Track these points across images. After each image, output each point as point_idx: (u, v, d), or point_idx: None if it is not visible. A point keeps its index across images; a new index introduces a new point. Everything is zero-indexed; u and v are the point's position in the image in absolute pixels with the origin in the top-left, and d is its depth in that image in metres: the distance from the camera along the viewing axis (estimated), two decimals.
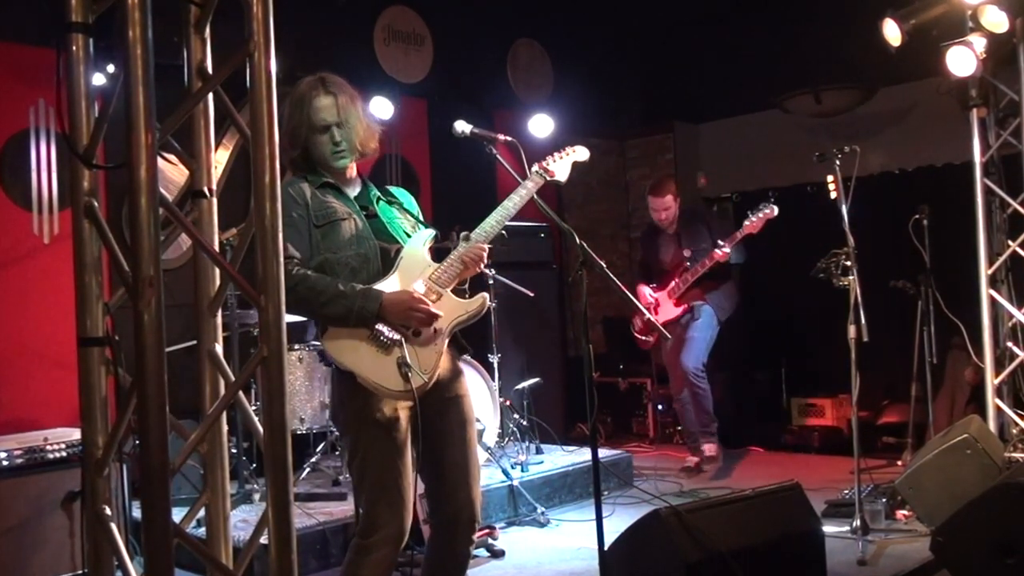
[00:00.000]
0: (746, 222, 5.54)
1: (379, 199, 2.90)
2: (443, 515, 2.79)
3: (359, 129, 2.80)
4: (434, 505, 2.83)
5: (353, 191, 2.87)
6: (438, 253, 2.89)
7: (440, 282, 2.76)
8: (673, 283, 5.82)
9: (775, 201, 5.56)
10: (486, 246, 2.84)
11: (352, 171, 2.89)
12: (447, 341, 2.77)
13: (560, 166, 3.04)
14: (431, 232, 2.87)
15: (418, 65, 6.62)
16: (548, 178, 2.98)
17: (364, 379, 2.63)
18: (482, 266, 2.86)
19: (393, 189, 3.02)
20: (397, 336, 2.66)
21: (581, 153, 3.12)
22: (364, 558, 2.64)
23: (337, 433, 4.97)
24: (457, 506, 2.76)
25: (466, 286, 2.89)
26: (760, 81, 7.30)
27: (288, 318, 2.17)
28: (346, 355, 2.66)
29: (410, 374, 2.60)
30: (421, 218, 2.98)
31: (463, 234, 2.87)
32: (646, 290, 5.90)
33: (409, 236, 2.87)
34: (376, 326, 2.65)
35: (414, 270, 2.76)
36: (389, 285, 2.70)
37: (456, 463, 2.77)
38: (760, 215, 5.48)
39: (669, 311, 5.85)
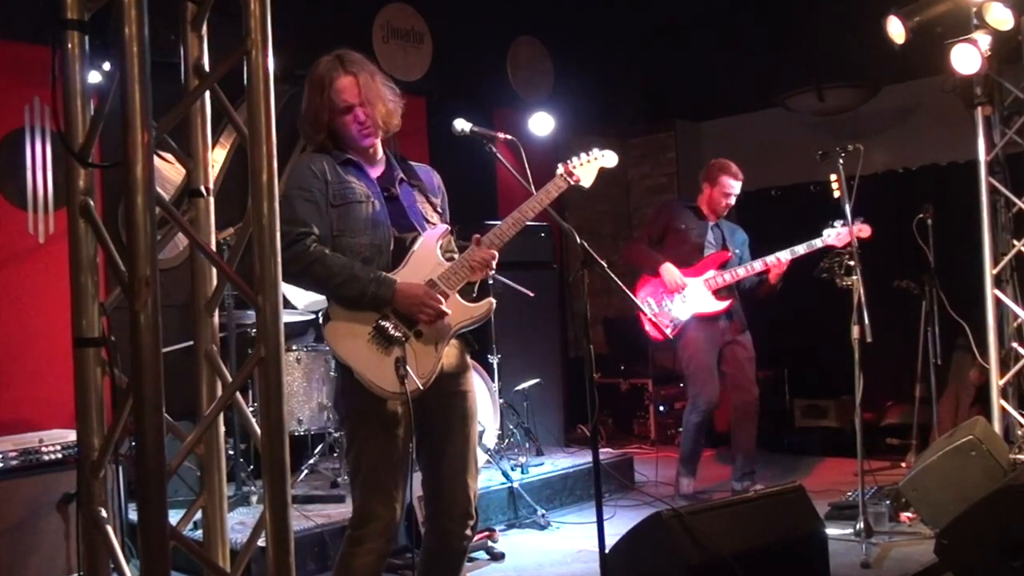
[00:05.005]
0: (830, 235, 4.90)
1: (402, 180, 2.86)
2: (438, 508, 2.79)
3: (381, 106, 2.77)
4: (430, 498, 2.83)
5: (376, 170, 2.84)
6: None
7: (448, 283, 2.73)
8: (712, 273, 5.19)
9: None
10: (495, 252, 2.79)
11: (378, 149, 2.86)
12: (450, 344, 2.75)
13: (586, 171, 2.93)
14: (445, 228, 2.84)
15: (417, 63, 6.59)
16: (572, 183, 2.89)
17: (359, 374, 2.63)
18: (490, 271, 2.82)
19: (418, 167, 2.97)
20: (400, 335, 2.65)
21: (610, 159, 2.97)
22: (356, 549, 2.66)
23: (336, 432, 4.96)
24: (453, 500, 2.76)
25: (474, 289, 2.85)
26: (763, 79, 7.28)
27: (286, 318, 2.15)
28: (345, 347, 2.65)
29: (406, 377, 2.59)
30: (441, 205, 2.94)
31: (474, 236, 2.83)
32: (675, 271, 5.16)
33: (428, 222, 2.83)
34: (381, 322, 2.64)
35: (425, 266, 2.73)
36: (400, 279, 2.68)
37: (454, 457, 2.77)
38: (846, 230, 4.60)
39: (708, 303, 5.17)
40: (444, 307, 2.68)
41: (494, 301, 2.83)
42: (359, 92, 2.73)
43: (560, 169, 2.91)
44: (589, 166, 2.94)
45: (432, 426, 2.76)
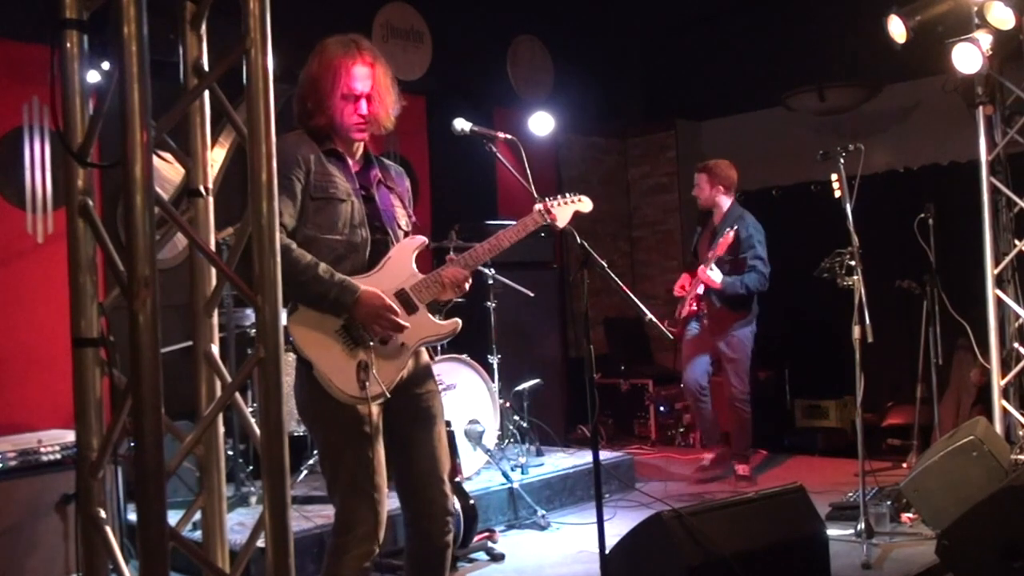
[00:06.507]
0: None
1: (380, 182, 2.83)
2: (417, 510, 2.78)
3: (388, 104, 2.75)
4: (406, 501, 2.81)
5: (356, 165, 2.80)
6: (434, 253, 2.85)
7: (420, 296, 2.72)
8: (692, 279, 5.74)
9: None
10: (467, 274, 2.79)
11: (362, 145, 2.83)
12: (411, 356, 2.73)
13: (563, 212, 2.99)
14: (422, 239, 2.82)
15: (417, 62, 6.58)
16: (548, 220, 2.92)
17: (320, 373, 2.60)
18: (459, 293, 2.81)
19: (391, 167, 2.94)
20: (367, 337, 2.63)
21: (586, 204, 3.08)
22: (342, 557, 2.64)
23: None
24: (430, 500, 2.76)
25: (442, 307, 2.85)
26: (763, 78, 7.28)
27: (285, 320, 2.14)
28: (309, 343, 2.62)
29: (367, 382, 2.57)
30: (412, 211, 2.92)
31: (448, 256, 2.82)
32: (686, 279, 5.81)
33: (402, 229, 2.82)
34: (348, 324, 2.62)
35: (397, 276, 2.72)
36: (371, 284, 2.66)
37: (426, 458, 2.76)
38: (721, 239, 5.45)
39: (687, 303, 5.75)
40: (401, 321, 2.63)
41: (460, 322, 2.81)
42: (372, 84, 2.69)
43: (539, 206, 2.94)
44: (567, 207, 3.01)
45: (400, 430, 2.76)
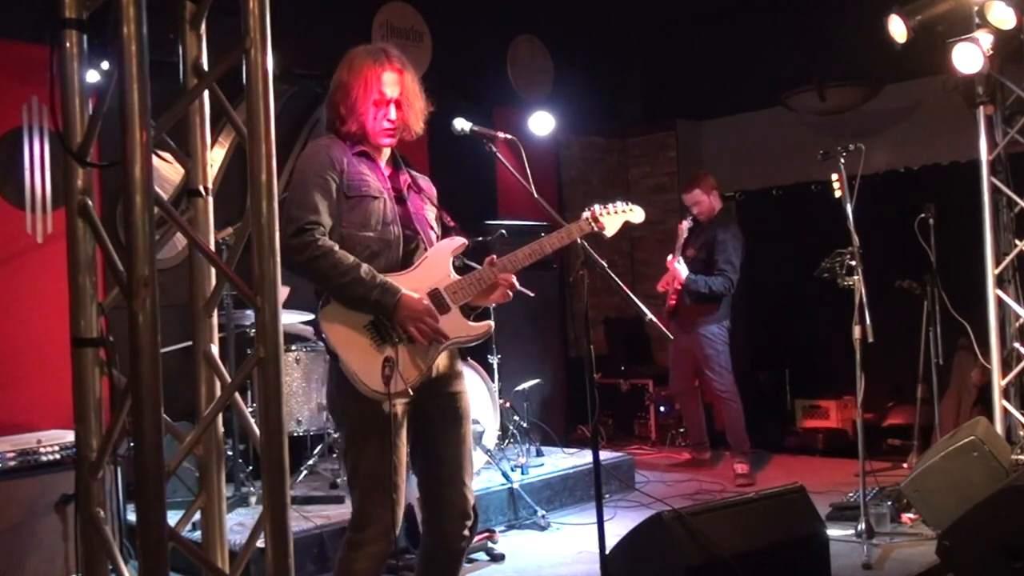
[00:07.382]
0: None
1: (410, 186, 2.86)
2: (436, 511, 2.78)
3: (417, 109, 2.78)
4: (427, 500, 2.82)
5: (388, 168, 2.83)
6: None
7: (454, 297, 2.72)
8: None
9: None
10: (514, 278, 2.80)
11: (389, 150, 2.85)
12: (440, 356, 2.73)
13: (612, 221, 2.97)
14: (462, 241, 2.83)
15: (416, 62, 6.51)
16: (596, 228, 2.90)
17: (344, 366, 2.61)
18: (511, 294, 2.83)
19: (421, 179, 2.96)
20: (395, 334, 2.64)
21: (637, 215, 3.05)
22: (356, 552, 2.64)
23: (335, 433, 4.94)
24: (450, 501, 2.75)
25: (474, 309, 2.85)
26: (764, 78, 7.27)
27: (285, 319, 2.15)
28: (338, 336, 2.63)
29: (392, 379, 2.57)
30: (443, 215, 2.94)
31: (490, 256, 2.82)
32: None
33: (434, 231, 2.84)
34: (378, 320, 2.63)
35: (433, 275, 2.72)
36: (406, 282, 2.67)
37: (450, 459, 2.76)
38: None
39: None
40: (441, 328, 2.65)
41: (492, 324, 2.81)
42: (401, 90, 2.73)
43: (587, 213, 2.93)
44: (616, 217, 3.00)
45: (426, 429, 2.76)
